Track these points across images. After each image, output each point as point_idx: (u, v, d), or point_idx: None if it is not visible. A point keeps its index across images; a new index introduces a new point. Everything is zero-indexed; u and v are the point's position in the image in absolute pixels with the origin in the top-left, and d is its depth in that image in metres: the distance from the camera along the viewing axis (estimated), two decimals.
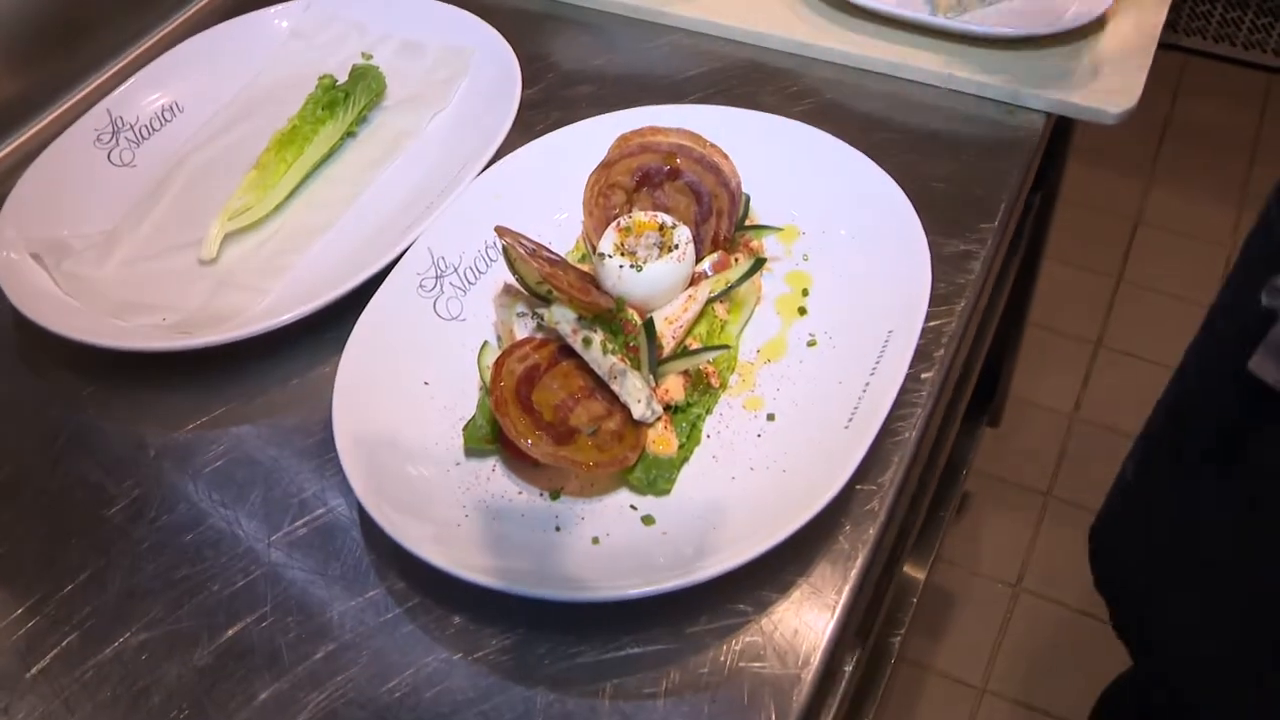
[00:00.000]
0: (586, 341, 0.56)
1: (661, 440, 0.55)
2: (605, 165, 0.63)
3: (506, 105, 0.71)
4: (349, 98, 0.73)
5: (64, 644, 0.52)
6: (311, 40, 0.80)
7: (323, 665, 0.51)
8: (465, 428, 0.57)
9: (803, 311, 0.62)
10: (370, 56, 0.78)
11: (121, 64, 0.83)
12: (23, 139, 0.77)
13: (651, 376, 0.56)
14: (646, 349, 0.55)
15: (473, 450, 0.56)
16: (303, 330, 0.62)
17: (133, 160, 0.73)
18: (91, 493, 0.58)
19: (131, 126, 0.74)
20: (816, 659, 0.49)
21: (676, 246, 0.58)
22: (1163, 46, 2.33)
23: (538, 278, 0.57)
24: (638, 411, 0.54)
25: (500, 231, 0.57)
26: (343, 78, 0.74)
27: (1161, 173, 2.08)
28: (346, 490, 0.55)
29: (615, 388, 0.55)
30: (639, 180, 0.63)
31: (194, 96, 0.77)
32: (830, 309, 0.62)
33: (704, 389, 0.57)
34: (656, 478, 0.54)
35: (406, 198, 0.70)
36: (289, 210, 0.70)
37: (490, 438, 0.56)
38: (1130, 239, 2.00)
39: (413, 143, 0.74)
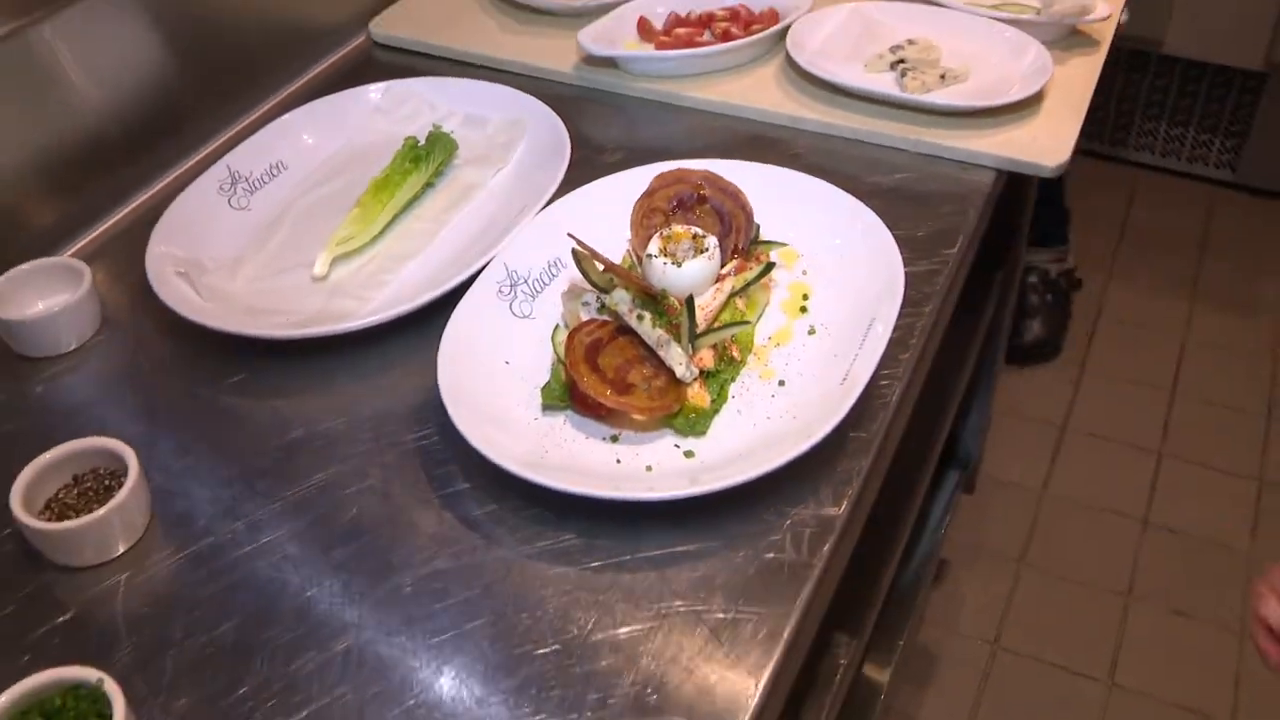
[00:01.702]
0: (640, 318, 0.73)
1: (698, 396, 0.72)
2: (648, 194, 0.82)
3: (559, 161, 0.90)
4: (429, 155, 0.92)
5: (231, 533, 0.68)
6: (391, 114, 0.99)
7: (452, 562, 0.67)
8: (543, 390, 0.74)
9: (804, 310, 0.80)
10: (440, 127, 0.97)
11: (237, 129, 1.02)
12: (164, 184, 0.96)
13: (690, 346, 0.73)
14: (687, 324, 0.73)
15: (548, 406, 0.73)
16: (399, 329, 0.79)
17: (248, 205, 0.91)
18: (252, 442, 0.74)
19: (246, 179, 0.93)
20: (828, 545, 0.66)
21: (707, 250, 0.76)
22: (1117, 161, 2.59)
23: (600, 270, 0.75)
24: (679, 372, 0.72)
25: (572, 236, 0.75)
26: (422, 141, 0.94)
27: (1119, 271, 2.31)
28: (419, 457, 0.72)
29: (662, 354, 0.73)
30: (675, 205, 0.82)
31: (296, 156, 0.95)
32: (825, 308, 0.80)
33: (728, 360, 0.75)
34: (695, 422, 0.71)
35: (477, 232, 0.88)
36: (384, 241, 0.88)
37: (562, 397, 0.73)
38: (1093, 329, 2.21)
39: (480, 193, 0.92)
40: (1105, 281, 2.32)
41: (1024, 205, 1.29)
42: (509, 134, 0.97)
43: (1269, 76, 2.27)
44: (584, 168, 0.95)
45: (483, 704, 0.59)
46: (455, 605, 0.64)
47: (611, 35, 1.08)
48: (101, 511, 0.65)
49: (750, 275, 0.78)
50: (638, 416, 0.71)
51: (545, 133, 0.95)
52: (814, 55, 1.04)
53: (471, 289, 0.79)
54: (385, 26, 1.16)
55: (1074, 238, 2.21)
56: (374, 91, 1.01)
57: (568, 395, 0.73)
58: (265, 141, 0.95)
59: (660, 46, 1.07)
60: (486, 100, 1.00)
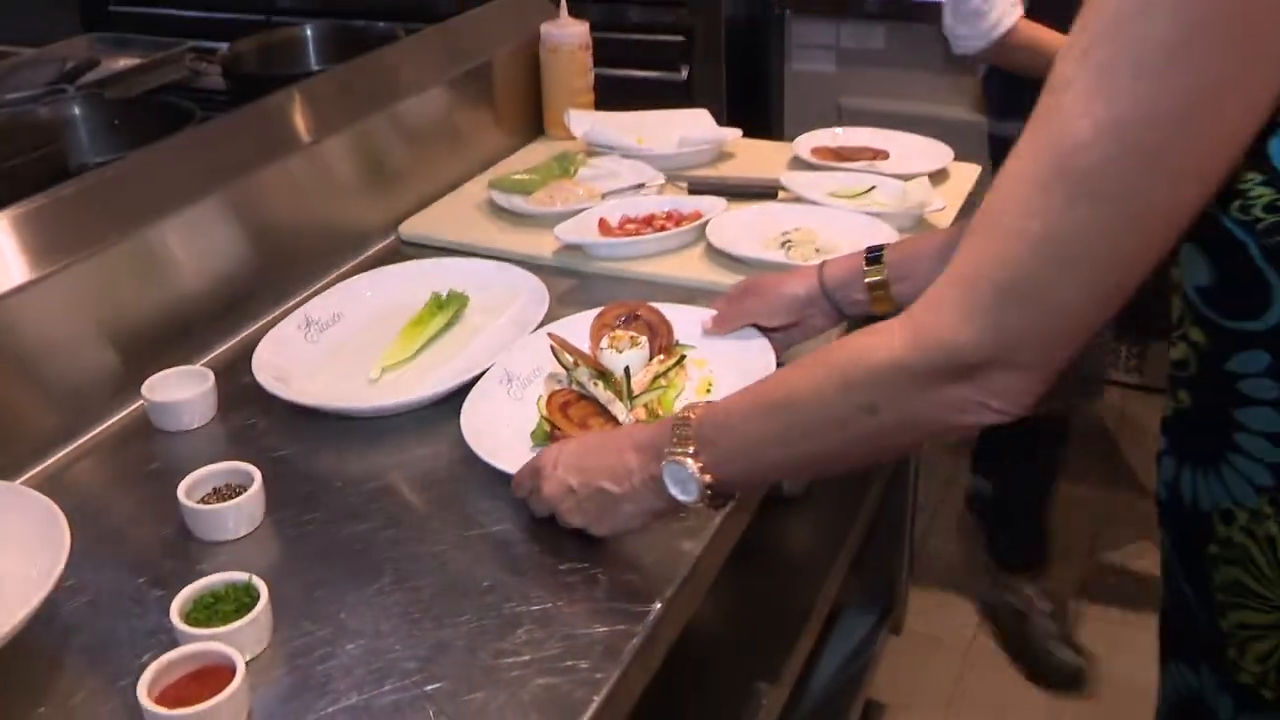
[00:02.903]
0: (595, 384, 1.12)
1: None
2: (601, 314, 1.23)
3: (540, 310, 1.30)
4: (448, 304, 1.32)
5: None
6: (422, 281, 1.40)
7: (474, 541, 1.03)
8: (533, 434, 1.12)
9: (709, 392, 1.19)
10: (455, 290, 1.38)
11: (302, 297, 1.43)
12: (260, 324, 1.36)
13: (629, 403, 1.12)
14: (626, 387, 1.12)
15: (537, 444, 1.11)
16: (424, 414, 1.18)
17: (318, 340, 1.31)
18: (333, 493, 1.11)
19: (315, 323, 1.33)
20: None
21: (639, 345, 1.16)
22: None
23: (570, 358, 1.15)
24: (622, 419, 1.10)
25: (552, 336, 1.15)
26: (444, 296, 1.34)
27: None
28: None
29: (610, 409, 1.11)
30: (620, 320, 1.22)
31: (352, 307, 1.36)
32: (723, 393, 1.18)
33: (656, 416, 1.13)
34: None
35: (481, 355, 1.27)
36: (419, 359, 1.27)
37: (544, 438, 1.11)
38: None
39: (484, 332, 1.32)
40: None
41: None
42: (506, 294, 1.37)
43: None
44: (563, 301, 1.36)
45: None
46: None
47: (579, 230, 1.51)
48: (241, 499, 1.02)
49: (671, 362, 1.18)
50: None
51: (530, 292, 1.35)
52: (726, 240, 1.47)
53: (478, 385, 1.18)
54: (411, 228, 1.60)
55: None
56: (413, 265, 1.44)
57: (548, 436, 1.11)
58: (330, 298, 1.36)
59: (614, 237, 1.50)
60: (490, 273, 1.41)
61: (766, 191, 1.62)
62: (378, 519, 1.06)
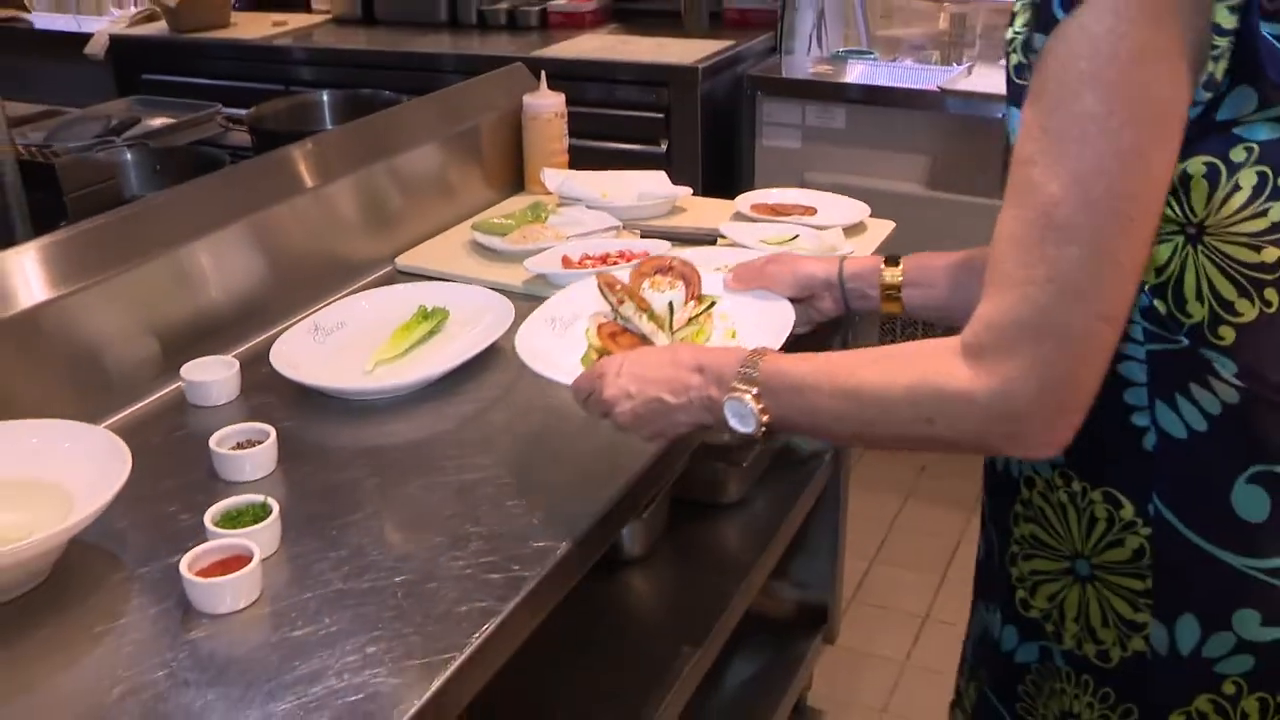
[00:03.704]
0: (640, 317, 1.30)
1: None
2: (639, 266, 1.43)
3: (506, 323, 1.61)
4: (433, 316, 1.63)
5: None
6: (411, 298, 1.72)
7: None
8: (582, 359, 1.30)
9: (734, 336, 1.35)
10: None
11: (310, 311, 1.74)
12: (275, 330, 1.67)
13: (671, 336, 1.31)
14: (669, 319, 1.31)
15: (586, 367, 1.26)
16: (411, 398, 1.48)
17: (324, 342, 1.62)
18: (332, 465, 1.41)
19: (322, 328, 1.64)
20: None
21: (678, 287, 1.35)
22: None
23: (615, 297, 1.32)
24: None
25: (600, 275, 1.35)
26: (430, 309, 1.65)
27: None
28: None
29: (653, 339, 1.29)
30: (655, 270, 1.42)
31: (354, 317, 1.67)
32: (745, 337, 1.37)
33: None
34: None
35: (458, 355, 1.57)
36: (406, 357, 1.58)
37: (592, 362, 1.23)
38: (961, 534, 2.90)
39: (460, 339, 1.63)
40: (965, 521, 3.03)
41: None
42: (479, 311, 1.68)
43: None
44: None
45: None
46: None
47: (546, 262, 1.82)
48: (258, 448, 1.32)
49: (703, 306, 1.38)
50: None
51: (499, 310, 1.66)
52: None
53: (525, 324, 1.42)
54: (406, 260, 1.92)
55: None
56: (405, 286, 1.75)
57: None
58: (336, 310, 1.68)
59: (574, 269, 1.82)
60: (467, 293, 1.72)
61: (707, 238, 1.94)
62: (364, 470, 1.36)
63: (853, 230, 1.97)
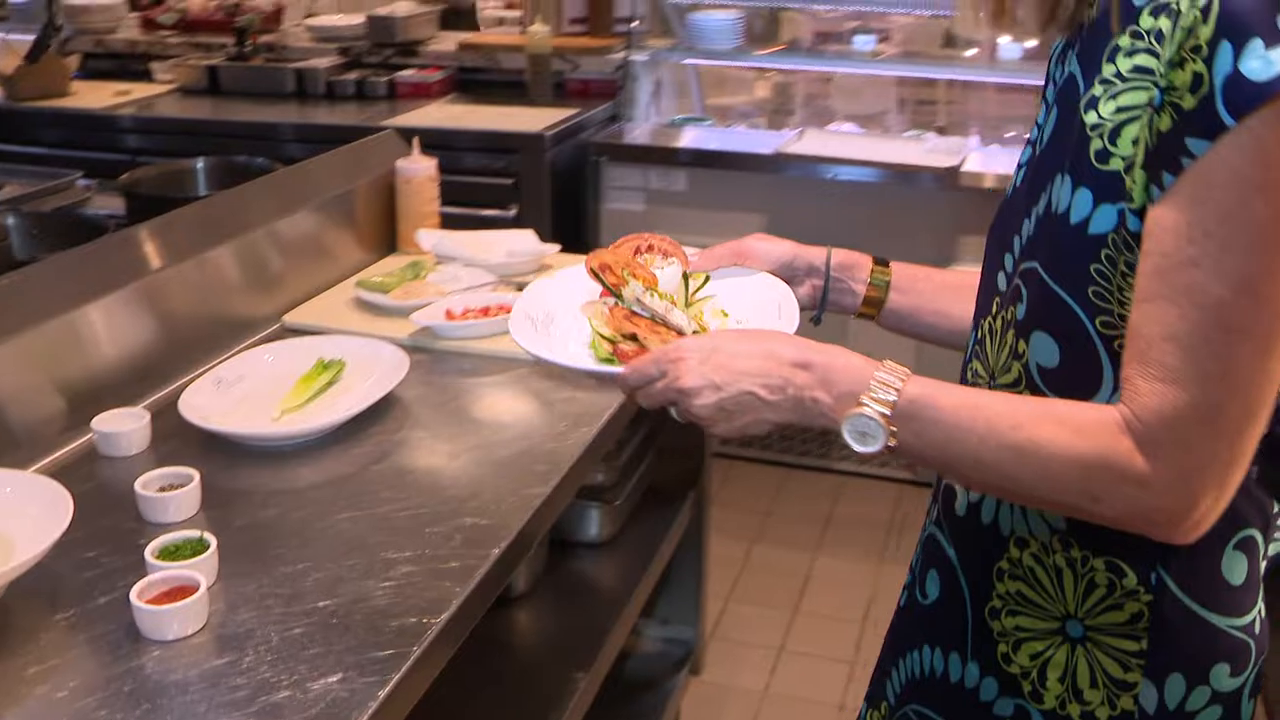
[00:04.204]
0: (649, 295, 1.16)
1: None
2: (616, 248, 1.26)
3: (401, 373, 1.73)
4: (331, 366, 1.74)
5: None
6: (312, 351, 1.82)
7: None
8: (591, 346, 1.18)
9: (726, 316, 1.22)
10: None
11: (207, 367, 1.82)
12: (175, 386, 1.75)
13: (687, 311, 1.18)
14: (685, 294, 1.21)
15: (601, 359, 1.16)
16: (316, 441, 1.59)
17: (228, 393, 1.71)
18: (250, 504, 1.50)
19: (224, 381, 1.73)
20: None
21: (673, 261, 1.24)
22: (822, 470, 3.75)
23: (615, 279, 1.19)
24: (686, 327, 1.14)
25: (591, 260, 1.21)
26: (328, 361, 1.76)
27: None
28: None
29: (669, 316, 1.14)
30: (634, 250, 1.27)
31: (254, 370, 1.77)
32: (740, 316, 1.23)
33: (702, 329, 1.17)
34: None
35: (357, 403, 1.69)
36: (309, 406, 1.69)
37: (607, 353, 1.14)
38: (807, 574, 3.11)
39: (355, 389, 1.74)
40: (810, 561, 3.28)
41: None
42: (373, 361, 1.80)
43: None
44: (416, 370, 1.79)
45: None
46: None
47: (430, 316, 1.95)
48: (184, 489, 1.41)
49: (702, 279, 1.26)
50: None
51: (392, 360, 1.78)
52: None
53: (511, 327, 1.24)
54: (294, 317, 2.02)
55: None
56: (302, 340, 1.86)
57: (613, 352, 1.14)
58: (235, 364, 1.77)
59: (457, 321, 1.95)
60: (361, 345, 1.84)
61: None
62: (284, 508, 1.46)
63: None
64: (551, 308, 1.28)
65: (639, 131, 3.73)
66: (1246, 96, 0.83)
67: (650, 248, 1.30)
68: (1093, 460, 0.92)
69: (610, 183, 3.56)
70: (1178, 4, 0.87)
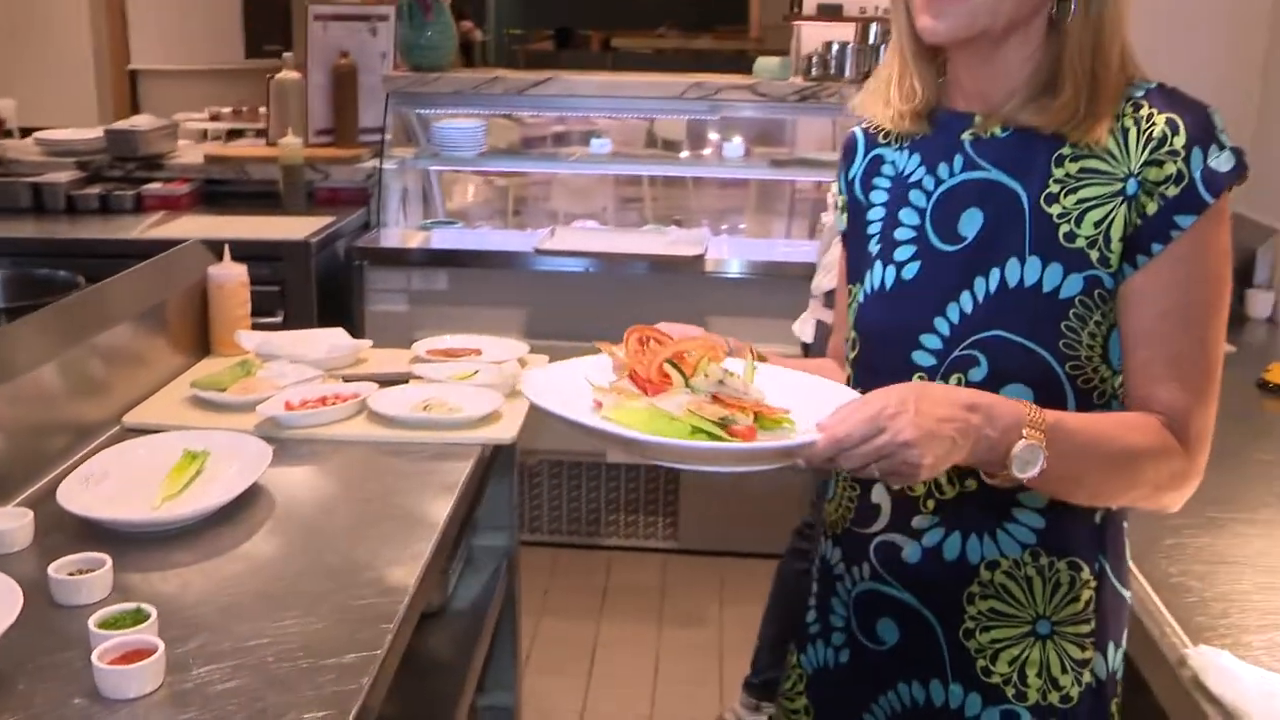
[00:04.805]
0: (728, 375, 1.18)
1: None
2: (626, 345, 1.26)
3: (265, 460, 1.88)
4: (198, 457, 1.87)
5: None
6: (176, 447, 1.93)
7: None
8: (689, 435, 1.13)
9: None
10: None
11: (70, 463, 1.91)
12: (41, 484, 1.83)
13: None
14: (751, 369, 1.26)
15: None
16: (197, 524, 1.73)
17: (98, 488, 1.81)
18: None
19: (92, 477, 1.83)
20: None
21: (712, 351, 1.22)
22: (590, 547, 4.03)
23: (687, 372, 1.19)
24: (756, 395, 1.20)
25: (606, 348, 1.28)
26: (196, 451, 1.89)
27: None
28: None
29: (748, 392, 1.18)
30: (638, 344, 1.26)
31: (113, 468, 1.87)
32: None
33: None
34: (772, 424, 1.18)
35: (227, 490, 1.82)
36: (183, 495, 1.81)
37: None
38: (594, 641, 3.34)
39: (221, 479, 1.88)
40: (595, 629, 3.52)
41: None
42: (235, 450, 1.94)
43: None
44: (277, 465, 1.94)
45: None
46: None
47: (273, 408, 2.10)
48: (99, 571, 1.52)
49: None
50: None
51: (254, 450, 1.93)
52: (382, 407, 2.12)
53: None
54: (134, 418, 2.12)
55: None
56: (159, 436, 1.97)
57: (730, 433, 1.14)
58: (95, 462, 1.87)
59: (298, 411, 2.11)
60: (221, 437, 1.97)
61: (402, 378, 2.30)
62: (191, 579, 1.60)
63: (524, 363, 2.41)
64: (565, 396, 1.26)
65: (393, 235, 3.93)
66: (1219, 182, 1.17)
67: (646, 340, 1.29)
68: (1160, 452, 1.19)
69: (373, 285, 3.74)
70: (1133, 125, 1.19)
